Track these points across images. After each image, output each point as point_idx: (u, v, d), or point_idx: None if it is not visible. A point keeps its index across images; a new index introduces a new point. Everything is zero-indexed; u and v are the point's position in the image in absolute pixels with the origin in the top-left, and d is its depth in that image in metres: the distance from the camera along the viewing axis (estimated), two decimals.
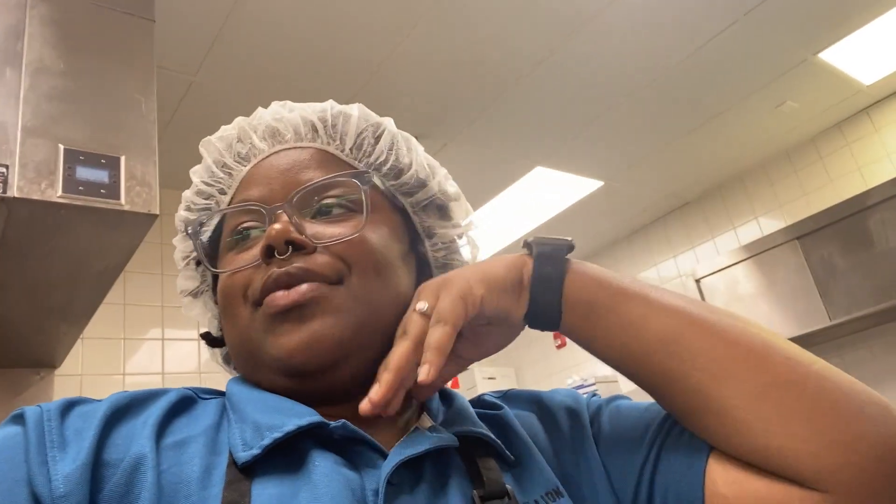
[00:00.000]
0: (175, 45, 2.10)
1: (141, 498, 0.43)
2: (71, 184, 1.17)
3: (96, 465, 0.44)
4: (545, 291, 0.52)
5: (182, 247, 0.63)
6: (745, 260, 3.20)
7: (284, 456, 0.47)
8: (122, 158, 1.25)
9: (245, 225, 0.56)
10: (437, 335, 0.48)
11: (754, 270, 3.17)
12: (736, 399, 0.46)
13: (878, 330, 3.04)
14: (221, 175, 0.60)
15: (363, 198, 0.55)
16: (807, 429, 0.43)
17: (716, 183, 3.73)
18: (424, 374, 0.46)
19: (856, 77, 2.95)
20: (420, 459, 0.48)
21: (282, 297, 0.50)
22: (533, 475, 0.53)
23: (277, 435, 0.47)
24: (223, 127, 0.63)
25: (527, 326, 0.55)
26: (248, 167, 0.59)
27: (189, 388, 0.55)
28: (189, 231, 0.58)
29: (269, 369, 0.52)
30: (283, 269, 0.51)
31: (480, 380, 4.11)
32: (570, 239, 0.54)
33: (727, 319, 0.49)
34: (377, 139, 0.60)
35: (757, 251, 3.16)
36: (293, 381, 0.51)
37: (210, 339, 0.64)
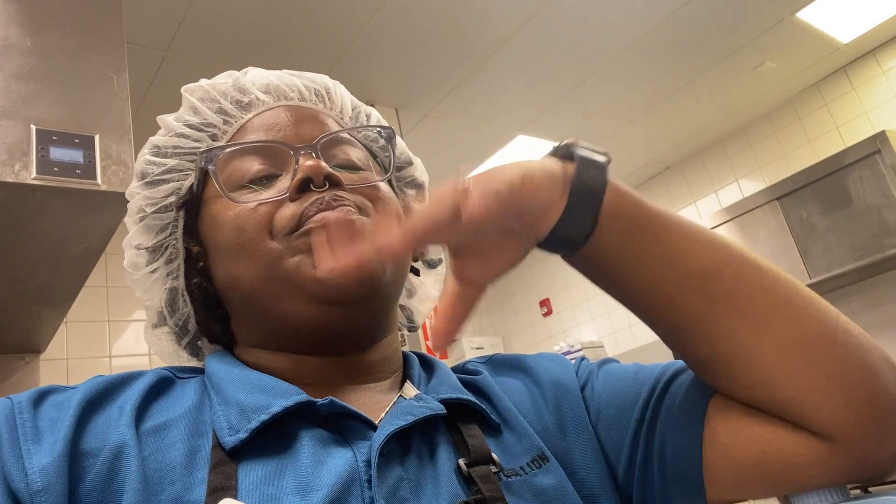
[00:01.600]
0: (145, 21, 2.05)
1: (125, 487, 0.42)
2: (45, 165, 1.14)
3: (74, 456, 0.42)
4: (585, 198, 0.44)
5: (147, 193, 0.58)
6: (726, 222, 3.23)
7: (271, 436, 0.46)
8: (97, 137, 1.22)
9: (257, 168, 0.54)
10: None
11: (736, 232, 3.20)
12: (766, 350, 0.44)
13: (857, 287, 3.10)
14: (216, 119, 0.58)
15: (391, 156, 0.59)
16: (831, 384, 0.43)
17: (696, 147, 3.74)
18: (393, 237, 0.41)
19: (834, 36, 2.95)
20: (408, 430, 0.48)
21: (333, 217, 0.50)
22: (517, 441, 0.53)
23: (264, 417, 0.46)
24: (202, 82, 0.60)
25: (539, 248, 0.47)
26: (248, 116, 0.57)
27: (166, 368, 0.54)
28: (203, 163, 0.55)
29: (304, 297, 0.50)
30: (329, 194, 0.51)
31: (469, 350, 4.15)
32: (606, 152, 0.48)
33: (763, 263, 0.46)
34: (367, 117, 0.64)
35: (738, 213, 3.19)
36: (329, 309, 0.50)
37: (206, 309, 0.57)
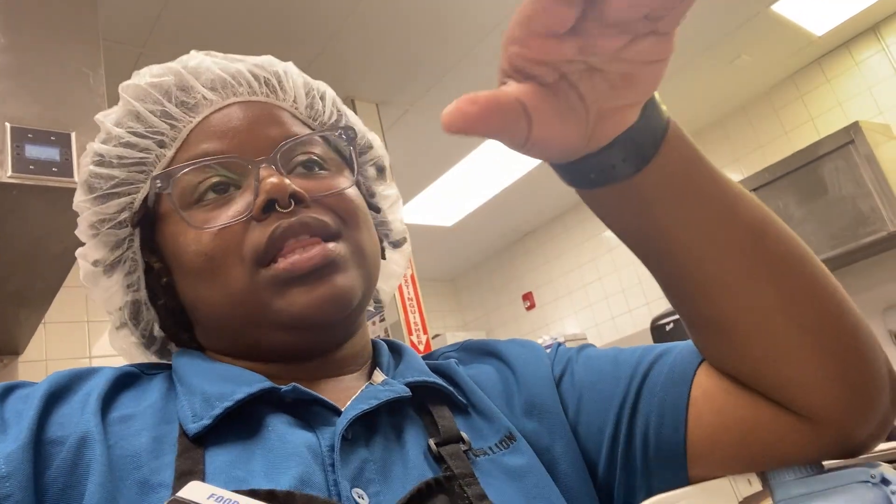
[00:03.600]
0: (121, 18, 2.02)
1: (90, 473, 0.42)
2: (21, 163, 1.13)
3: (39, 444, 0.43)
4: (655, 110, 0.40)
5: (98, 209, 0.54)
6: None
7: (237, 423, 0.46)
8: (73, 135, 1.21)
9: (213, 181, 0.52)
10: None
11: None
12: (789, 326, 0.43)
13: (834, 275, 3.14)
14: (162, 125, 0.54)
15: (352, 155, 0.57)
16: (834, 370, 0.43)
17: None
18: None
19: (808, 28, 2.99)
20: (374, 414, 0.48)
21: (307, 260, 0.48)
22: (486, 423, 0.53)
23: (228, 404, 0.46)
24: (147, 70, 0.56)
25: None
26: (197, 119, 0.54)
27: (132, 365, 0.54)
28: (158, 187, 0.51)
29: (275, 327, 0.50)
30: (296, 218, 0.49)
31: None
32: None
33: (794, 234, 0.45)
34: (322, 99, 0.60)
35: None
36: (303, 335, 0.51)
37: (169, 316, 0.56)
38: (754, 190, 3.05)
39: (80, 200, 0.56)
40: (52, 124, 1.20)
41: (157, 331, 0.58)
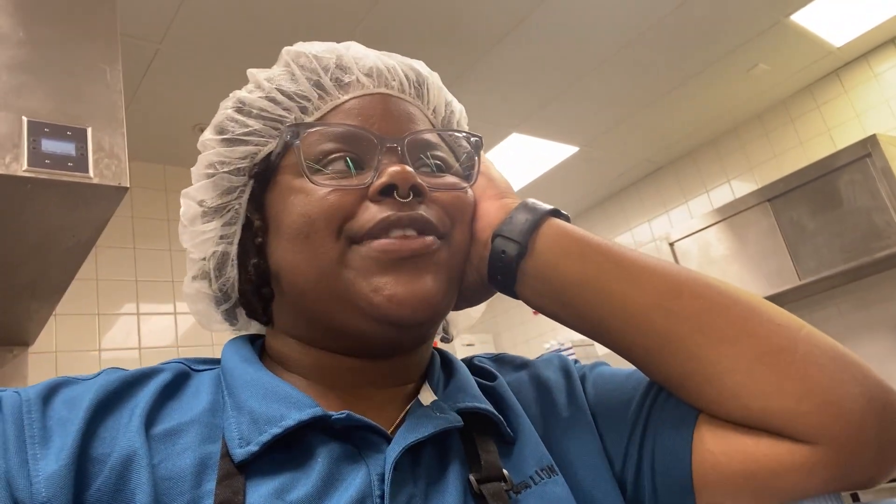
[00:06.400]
0: (139, 13, 2.03)
1: (136, 499, 0.40)
2: (37, 157, 1.14)
3: (82, 461, 0.41)
4: (527, 218, 0.53)
5: (224, 150, 0.54)
6: (717, 223, 3.25)
7: (283, 448, 0.45)
8: (89, 130, 1.21)
9: (340, 155, 0.52)
10: None
11: (727, 233, 3.22)
12: (732, 364, 0.46)
13: (845, 288, 3.12)
14: (312, 93, 0.54)
15: (476, 163, 0.58)
16: (799, 390, 0.44)
17: (689, 147, 3.75)
18: None
19: (827, 39, 2.97)
20: (421, 441, 0.47)
21: (405, 245, 0.48)
22: (528, 451, 0.52)
23: (277, 431, 0.45)
24: (310, 44, 0.58)
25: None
26: (345, 97, 0.54)
27: (182, 361, 0.53)
28: (288, 136, 0.52)
29: (356, 311, 0.49)
30: (408, 212, 0.49)
31: (459, 346, 4.15)
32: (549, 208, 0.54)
33: (722, 284, 0.49)
34: (453, 112, 0.62)
35: (729, 214, 3.21)
36: (379, 327, 0.49)
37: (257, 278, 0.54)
38: (768, 200, 3.03)
39: (206, 137, 0.56)
40: (68, 119, 1.21)
41: (234, 292, 0.57)
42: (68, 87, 1.25)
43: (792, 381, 0.44)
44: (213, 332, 0.62)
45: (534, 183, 3.72)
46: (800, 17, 2.75)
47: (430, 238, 0.50)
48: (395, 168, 0.49)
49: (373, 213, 0.49)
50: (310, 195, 0.50)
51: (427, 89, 0.59)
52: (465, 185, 0.56)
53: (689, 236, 3.37)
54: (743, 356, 0.46)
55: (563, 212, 0.55)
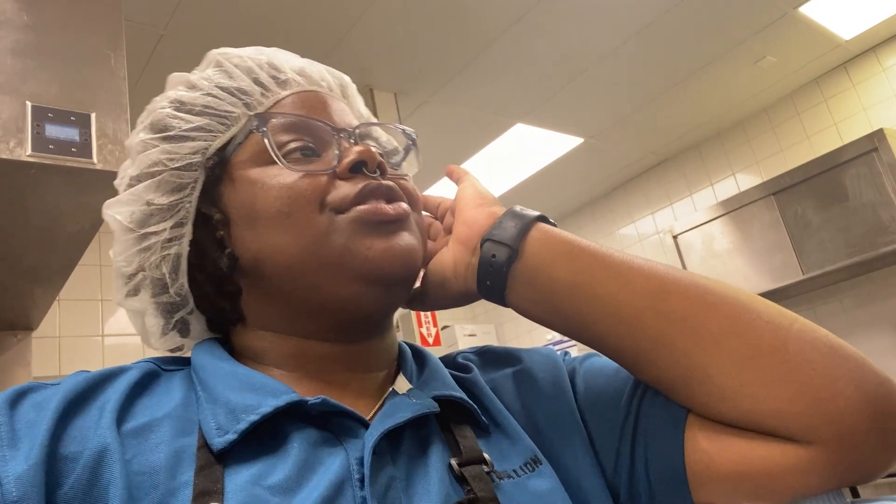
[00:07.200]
0: None
1: (109, 494, 0.40)
2: (40, 142, 1.14)
3: (52, 461, 0.41)
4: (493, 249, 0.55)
5: (169, 147, 0.54)
6: (721, 216, 3.24)
7: (260, 436, 0.45)
8: (93, 115, 1.21)
9: (299, 144, 0.54)
10: None
11: (730, 226, 3.21)
12: (722, 366, 0.46)
13: (849, 283, 3.11)
14: (254, 89, 0.56)
15: (414, 153, 0.63)
16: (790, 391, 0.44)
17: (694, 140, 3.74)
18: None
19: (835, 32, 2.95)
20: (400, 427, 0.47)
21: (390, 208, 0.52)
22: (510, 444, 0.52)
23: (254, 418, 0.45)
24: (233, 50, 0.59)
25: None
26: (285, 93, 0.57)
27: (152, 361, 0.53)
28: (254, 126, 0.53)
29: (347, 276, 0.50)
30: (383, 182, 0.53)
31: (461, 336, 4.16)
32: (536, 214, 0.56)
33: (709, 282, 0.49)
34: (369, 117, 0.65)
35: (733, 207, 3.20)
36: (368, 289, 0.51)
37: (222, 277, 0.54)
38: (772, 194, 3.02)
39: (144, 138, 0.55)
40: (72, 104, 1.21)
41: (190, 296, 0.56)
42: (72, 73, 1.24)
43: (782, 382, 0.44)
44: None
45: (538, 174, 3.71)
46: (808, 9, 2.73)
47: (403, 204, 0.54)
48: (360, 147, 0.53)
49: (349, 187, 0.52)
50: (282, 179, 0.52)
51: (350, 92, 0.63)
52: (410, 173, 0.60)
53: (692, 229, 3.36)
54: (732, 358, 0.45)
55: (549, 218, 0.56)
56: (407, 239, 0.52)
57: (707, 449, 0.47)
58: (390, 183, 0.53)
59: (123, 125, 1.25)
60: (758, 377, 0.45)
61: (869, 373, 0.44)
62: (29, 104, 1.16)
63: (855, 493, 2.05)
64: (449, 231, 0.59)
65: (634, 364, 0.51)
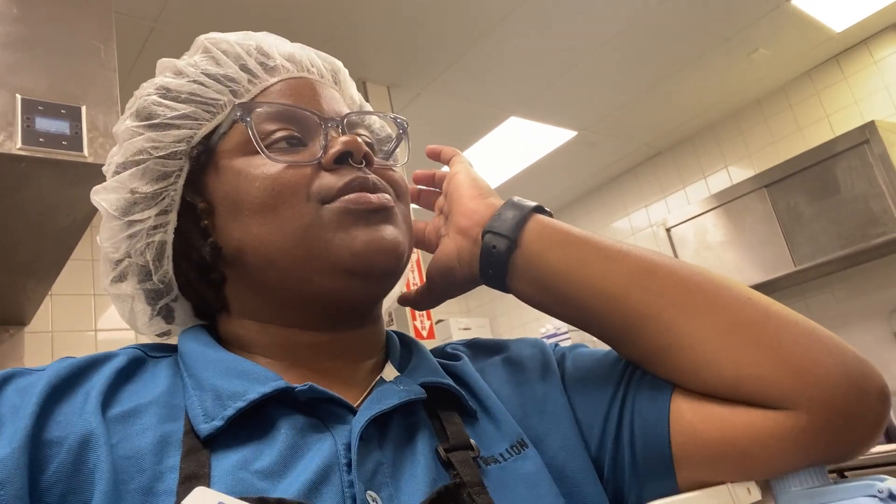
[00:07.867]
0: None
1: (95, 478, 0.40)
2: (31, 135, 1.13)
3: (36, 445, 0.41)
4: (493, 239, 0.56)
5: (154, 135, 0.53)
6: (714, 209, 3.25)
7: (247, 422, 0.45)
8: (83, 108, 1.21)
9: (285, 133, 0.53)
10: None
11: (723, 219, 3.22)
12: (705, 334, 0.48)
13: (840, 275, 3.13)
14: (242, 76, 0.55)
15: (405, 143, 0.63)
16: (772, 358, 0.46)
17: (688, 132, 3.74)
18: None
19: (827, 24, 2.95)
20: (387, 413, 0.48)
21: (374, 198, 0.52)
22: (496, 428, 0.53)
23: (241, 404, 0.45)
24: (220, 34, 0.58)
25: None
26: (273, 80, 0.56)
27: (138, 347, 0.53)
28: (238, 115, 0.53)
29: (332, 268, 0.50)
30: (368, 175, 0.53)
31: (456, 330, 4.16)
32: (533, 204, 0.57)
33: (694, 265, 0.52)
34: (362, 103, 0.65)
35: (726, 200, 3.21)
36: (353, 281, 0.50)
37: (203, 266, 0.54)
38: (765, 187, 3.03)
39: (129, 125, 0.54)
40: (62, 97, 1.20)
41: (174, 283, 0.56)
42: (63, 66, 1.23)
43: (764, 349, 0.46)
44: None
45: (531, 167, 3.71)
46: (800, 2, 2.74)
47: (388, 195, 0.54)
48: (346, 138, 0.52)
49: (334, 178, 0.52)
50: (266, 169, 0.51)
51: (342, 78, 0.62)
52: (399, 164, 0.60)
53: (685, 222, 3.37)
54: (716, 327, 0.48)
55: (546, 208, 0.58)
56: (391, 231, 0.52)
57: (691, 419, 0.49)
58: (375, 178, 0.53)
59: (114, 118, 1.24)
60: (740, 343, 0.47)
61: (846, 350, 0.46)
62: (19, 97, 1.15)
63: (841, 474, 2.07)
64: (440, 211, 0.62)
65: (623, 338, 0.53)
